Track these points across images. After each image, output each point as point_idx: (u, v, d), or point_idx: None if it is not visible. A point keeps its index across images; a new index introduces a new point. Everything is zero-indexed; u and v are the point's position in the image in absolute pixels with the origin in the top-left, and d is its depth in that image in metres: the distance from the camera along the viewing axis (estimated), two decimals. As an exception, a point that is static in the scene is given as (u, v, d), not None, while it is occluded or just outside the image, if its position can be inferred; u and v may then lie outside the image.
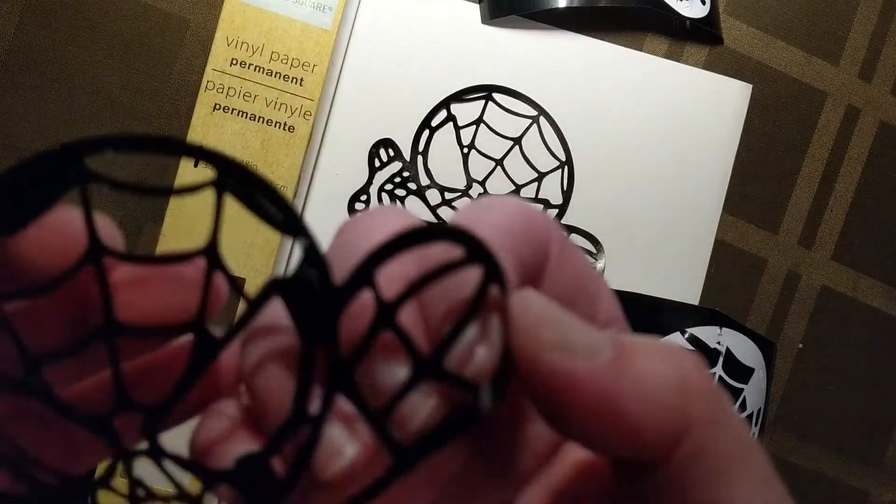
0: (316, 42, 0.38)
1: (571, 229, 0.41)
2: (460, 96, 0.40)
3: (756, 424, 0.41)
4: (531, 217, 0.16)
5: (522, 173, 0.41)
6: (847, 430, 0.44)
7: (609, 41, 0.41)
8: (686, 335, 0.41)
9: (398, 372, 0.15)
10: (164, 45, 0.39)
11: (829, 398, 0.44)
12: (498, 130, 0.41)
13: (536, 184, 0.41)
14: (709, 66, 0.42)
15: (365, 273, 0.14)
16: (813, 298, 0.44)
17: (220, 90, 0.38)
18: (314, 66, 0.38)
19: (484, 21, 0.40)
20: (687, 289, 0.42)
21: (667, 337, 0.41)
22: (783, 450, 0.43)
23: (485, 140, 0.40)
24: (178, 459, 0.16)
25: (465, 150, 0.41)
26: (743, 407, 0.40)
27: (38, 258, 0.15)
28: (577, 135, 0.41)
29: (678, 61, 0.42)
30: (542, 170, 0.41)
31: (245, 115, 0.38)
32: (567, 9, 0.40)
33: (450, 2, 0.40)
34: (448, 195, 0.40)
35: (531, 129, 0.41)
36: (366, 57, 0.40)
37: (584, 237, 0.41)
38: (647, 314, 0.41)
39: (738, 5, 0.43)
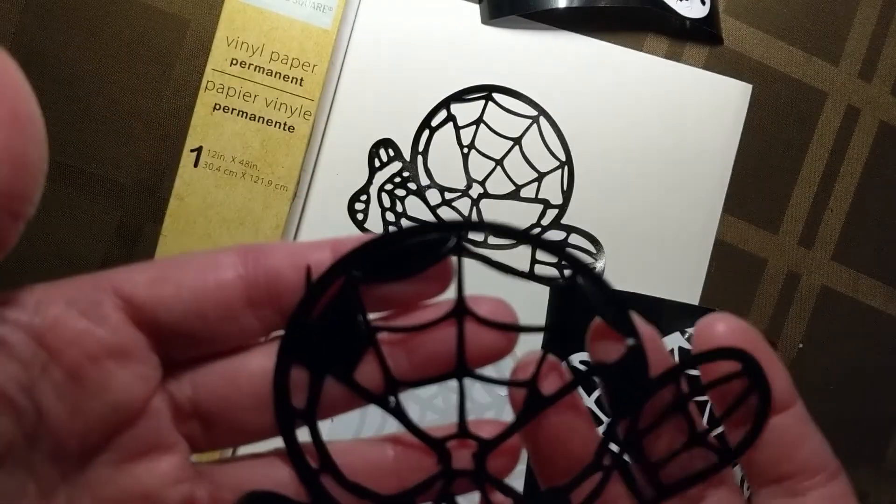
0: (316, 42, 0.38)
1: (571, 229, 0.41)
2: (460, 96, 0.40)
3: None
4: None
5: (522, 173, 0.41)
6: (847, 431, 0.44)
7: (609, 41, 0.41)
8: (686, 335, 0.41)
9: (674, 438, 0.20)
10: (164, 45, 0.39)
11: (829, 398, 0.44)
12: (498, 130, 0.41)
13: (536, 184, 0.41)
14: (709, 66, 0.42)
15: (675, 375, 0.20)
16: (813, 298, 0.44)
17: (220, 90, 0.38)
18: (314, 66, 0.38)
19: (484, 21, 0.40)
20: (687, 289, 0.42)
21: (667, 337, 0.41)
22: (783, 450, 0.43)
23: (485, 140, 0.40)
24: (500, 485, 0.20)
25: (465, 150, 0.41)
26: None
27: (410, 301, 0.20)
28: (577, 135, 0.41)
29: (678, 61, 0.42)
30: (542, 170, 0.41)
31: (245, 115, 0.38)
32: (567, 9, 0.40)
33: (450, 2, 0.40)
34: (448, 195, 0.40)
35: (531, 129, 0.41)
36: (366, 57, 0.40)
37: (584, 237, 0.41)
38: (648, 314, 0.41)
39: (738, 5, 0.43)
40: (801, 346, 0.43)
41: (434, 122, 0.40)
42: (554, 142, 0.41)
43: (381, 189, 0.40)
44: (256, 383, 0.19)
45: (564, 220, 0.41)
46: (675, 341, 0.41)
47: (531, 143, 0.41)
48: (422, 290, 0.20)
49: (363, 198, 0.40)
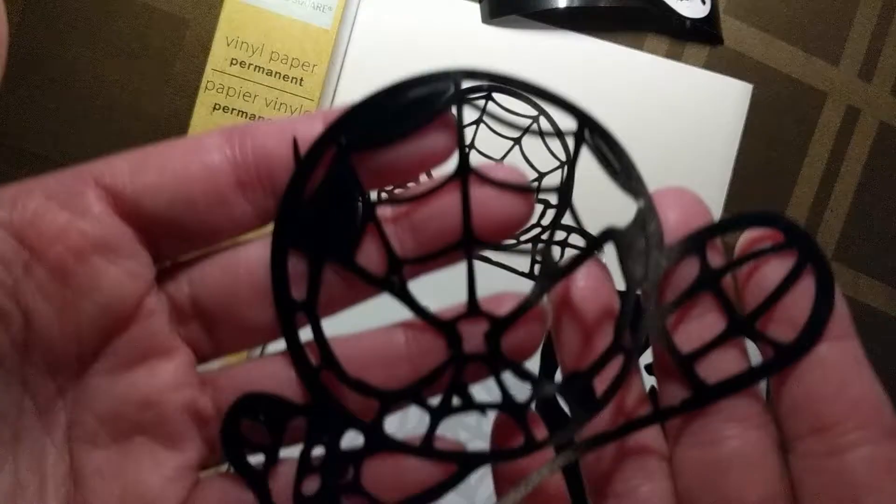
0: (316, 42, 0.38)
1: (571, 229, 0.41)
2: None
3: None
4: None
5: (522, 173, 0.41)
6: (847, 430, 0.44)
7: (609, 41, 0.41)
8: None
9: (711, 326, 0.18)
10: (164, 45, 0.39)
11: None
12: (498, 130, 0.41)
13: (536, 184, 0.41)
14: (709, 66, 0.42)
15: (699, 242, 0.18)
16: (813, 298, 0.44)
17: (220, 90, 0.38)
18: (314, 66, 0.38)
19: (484, 21, 0.40)
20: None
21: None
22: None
23: (485, 140, 0.40)
24: (516, 367, 0.18)
25: (465, 150, 0.40)
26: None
27: (411, 169, 0.18)
28: (577, 135, 0.41)
29: (678, 61, 0.42)
30: (542, 170, 0.41)
31: (245, 115, 0.38)
32: (567, 9, 0.40)
33: (450, 1, 0.40)
34: (448, 195, 0.40)
35: (531, 129, 0.41)
36: (366, 57, 0.40)
37: (584, 237, 0.41)
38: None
39: (738, 5, 0.43)
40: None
41: (434, 122, 0.40)
42: (554, 142, 0.41)
43: (380, 189, 0.40)
44: (256, 274, 0.18)
45: (565, 221, 0.41)
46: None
47: (531, 143, 0.41)
48: (422, 153, 0.18)
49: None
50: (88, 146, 0.38)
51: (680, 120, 0.42)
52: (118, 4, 0.38)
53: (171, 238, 0.18)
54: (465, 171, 0.18)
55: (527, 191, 0.18)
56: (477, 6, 0.40)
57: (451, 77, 0.18)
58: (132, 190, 0.17)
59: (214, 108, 0.38)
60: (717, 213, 0.42)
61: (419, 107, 0.18)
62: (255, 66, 0.38)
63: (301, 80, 0.38)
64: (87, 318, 0.17)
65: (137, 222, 0.17)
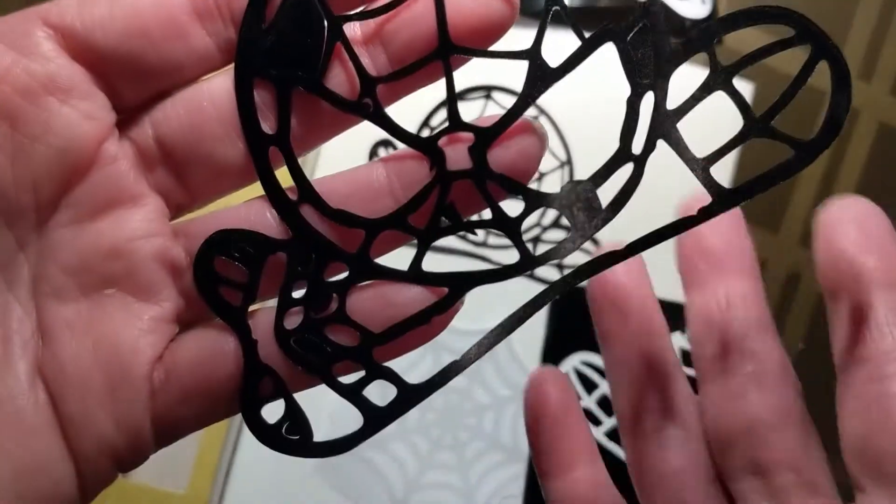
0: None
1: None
2: (460, 96, 0.40)
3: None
4: None
5: (522, 173, 0.41)
6: (847, 431, 0.44)
7: (609, 41, 0.41)
8: (686, 335, 0.41)
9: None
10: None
11: (830, 399, 0.44)
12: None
13: (536, 184, 0.41)
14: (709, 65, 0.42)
15: (706, 39, 0.18)
16: (813, 299, 0.44)
17: None
18: (314, 65, 0.38)
19: (484, 21, 0.40)
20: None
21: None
22: (783, 450, 0.43)
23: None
24: (503, 179, 0.17)
25: None
26: (743, 407, 0.40)
27: None
28: (577, 135, 0.41)
29: (678, 61, 0.42)
30: (543, 170, 0.41)
31: None
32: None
33: (450, 2, 0.40)
34: (448, 195, 0.40)
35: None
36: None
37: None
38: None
39: (739, 5, 0.43)
40: (801, 346, 0.43)
41: (434, 122, 0.40)
42: (554, 142, 0.41)
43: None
44: (221, 107, 0.17)
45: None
46: (675, 341, 0.40)
47: (531, 143, 0.41)
48: None
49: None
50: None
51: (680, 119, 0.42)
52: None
53: (127, 77, 0.17)
54: None
55: None
56: (477, 6, 0.40)
57: None
58: (81, 25, 0.16)
59: None
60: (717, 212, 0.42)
61: None
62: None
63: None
64: (42, 164, 0.16)
65: (90, 60, 0.16)
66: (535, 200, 0.18)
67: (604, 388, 0.39)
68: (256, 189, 0.18)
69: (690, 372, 0.22)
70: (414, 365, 0.36)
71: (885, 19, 0.44)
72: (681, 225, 0.19)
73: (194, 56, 0.17)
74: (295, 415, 0.17)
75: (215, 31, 0.17)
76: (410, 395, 0.18)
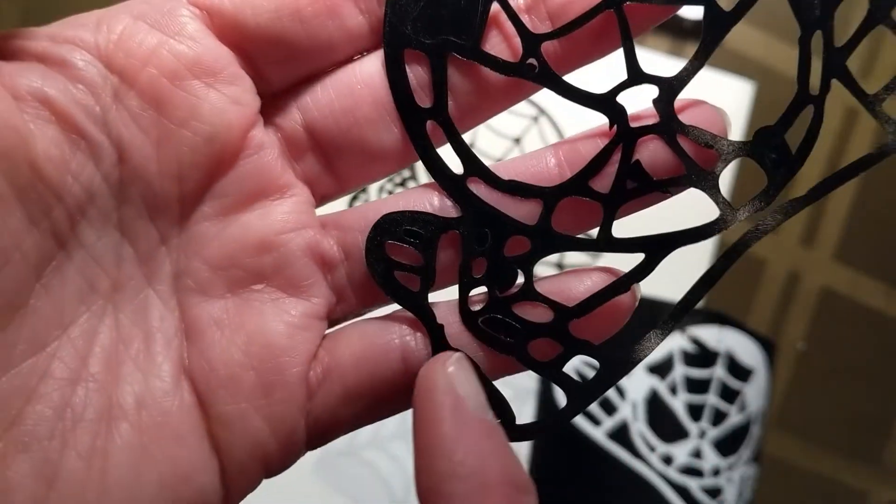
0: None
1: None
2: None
3: (757, 424, 0.41)
4: None
5: (523, 173, 0.41)
6: (847, 430, 0.44)
7: (609, 41, 0.41)
8: (686, 335, 0.41)
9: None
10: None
11: (830, 398, 0.44)
12: (498, 130, 0.41)
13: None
14: (710, 65, 0.42)
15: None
16: (813, 298, 0.44)
17: None
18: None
19: (484, 21, 0.40)
20: (687, 289, 0.41)
21: (668, 338, 0.41)
22: (783, 450, 0.43)
23: (485, 140, 0.40)
24: (696, 133, 0.17)
25: (466, 150, 0.40)
26: (743, 406, 0.40)
27: None
28: (578, 135, 0.41)
29: (680, 59, 0.42)
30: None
31: None
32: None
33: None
34: (448, 195, 0.40)
35: (531, 129, 0.41)
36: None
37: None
38: (647, 314, 0.41)
39: None
40: (801, 346, 0.43)
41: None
42: (554, 142, 0.41)
43: (381, 189, 0.40)
44: (374, 87, 0.16)
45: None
46: (675, 342, 0.40)
47: (531, 143, 0.41)
48: None
49: (364, 198, 0.40)
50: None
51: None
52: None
53: (276, 60, 0.16)
54: None
55: None
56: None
57: None
58: (231, 3, 0.15)
59: None
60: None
61: None
62: None
63: None
64: (187, 152, 0.15)
65: (238, 41, 0.15)
66: (732, 152, 0.17)
67: (604, 387, 0.39)
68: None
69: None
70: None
71: (886, 19, 0.44)
72: (862, 163, 0.18)
73: (346, 36, 0.16)
74: (495, 398, 0.16)
75: (369, 9, 0.16)
76: (614, 369, 0.17)
